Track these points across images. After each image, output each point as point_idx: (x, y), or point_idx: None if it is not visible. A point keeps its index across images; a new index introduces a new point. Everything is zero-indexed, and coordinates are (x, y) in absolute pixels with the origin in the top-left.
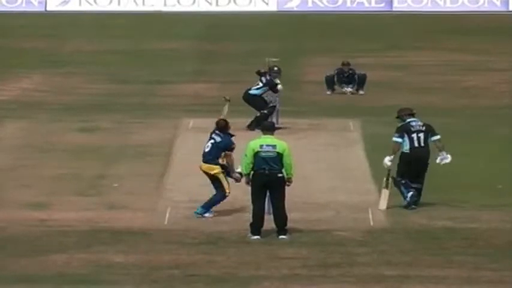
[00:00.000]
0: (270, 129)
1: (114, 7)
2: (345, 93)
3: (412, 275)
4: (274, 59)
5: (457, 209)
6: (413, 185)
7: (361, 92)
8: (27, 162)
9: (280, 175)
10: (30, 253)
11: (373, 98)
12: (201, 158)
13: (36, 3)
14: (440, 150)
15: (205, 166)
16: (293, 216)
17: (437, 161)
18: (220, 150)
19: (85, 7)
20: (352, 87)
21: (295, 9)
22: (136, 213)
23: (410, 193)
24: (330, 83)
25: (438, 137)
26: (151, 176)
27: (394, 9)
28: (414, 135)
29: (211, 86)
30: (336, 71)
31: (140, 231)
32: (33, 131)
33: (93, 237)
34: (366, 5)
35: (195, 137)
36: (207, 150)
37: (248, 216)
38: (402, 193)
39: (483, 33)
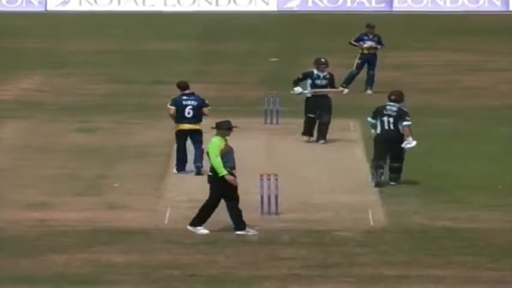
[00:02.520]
0: (218, 127)
1: (114, 7)
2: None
3: (412, 275)
4: (274, 59)
5: (457, 209)
6: (391, 164)
7: (369, 91)
8: (27, 162)
9: (214, 175)
10: (30, 253)
11: (373, 98)
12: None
13: (36, 3)
14: (407, 136)
15: (189, 126)
16: (293, 217)
17: (403, 145)
18: (200, 110)
19: (85, 7)
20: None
21: (295, 9)
22: (136, 213)
23: (378, 174)
24: (350, 78)
25: (406, 123)
26: (152, 176)
27: (394, 9)
28: (385, 118)
29: (212, 86)
30: (359, 34)
31: (140, 231)
32: (34, 131)
33: (93, 237)
34: (366, 4)
35: None
36: (190, 115)
37: (248, 217)
38: (372, 174)
39: (483, 33)
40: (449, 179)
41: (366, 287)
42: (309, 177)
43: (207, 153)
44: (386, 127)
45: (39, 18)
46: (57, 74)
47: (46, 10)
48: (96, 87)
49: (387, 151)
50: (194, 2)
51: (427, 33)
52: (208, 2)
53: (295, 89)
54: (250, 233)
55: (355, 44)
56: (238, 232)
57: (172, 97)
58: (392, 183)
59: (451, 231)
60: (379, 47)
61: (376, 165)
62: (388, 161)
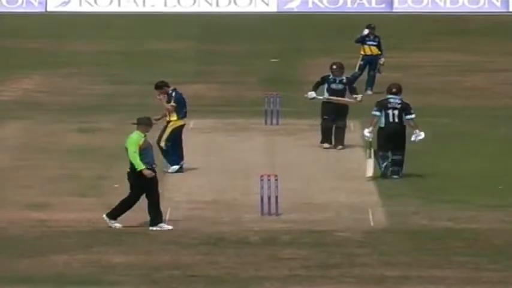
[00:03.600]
0: (139, 123)
1: (114, 8)
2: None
3: (412, 276)
4: (274, 60)
5: (458, 210)
6: (393, 157)
7: (369, 92)
8: (28, 162)
9: (133, 171)
10: (30, 254)
11: (373, 98)
12: (201, 158)
13: (36, 4)
14: (414, 129)
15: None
16: (293, 217)
17: (412, 138)
18: None
19: (85, 8)
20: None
21: (296, 9)
22: (136, 213)
23: (385, 163)
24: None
25: (412, 116)
26: None
27: (394, 9)
28: (390, 112)
29: (212, 86)
30: (359, 36)
31: (140, 231)
32: (34, 131)
33: (93, 238)
34: (367, 5)
35: (196, 137)
36: (185, 110)
37: (248, 218)
38: (378, 164)
39: (483, 33)
40: (449, 179)
41: (366, 287)
42: (309, 177)
43: (126, 149)
44: (391, 120)
45: (39, 19)
46: (57, 74)
47: (46, 11)
48: (96, 88)
49: (391, 143)
50: (194, 2)
51: (427, 33)
52: (208, 2)
53: (309, 93)
54: (165, 228)
55: (360, 40)
56: (153, 228)
57: (173, 94)
58: (395, 176)
59: (451, 232)
60: (381, 61)
61: (382, 156)
62: (390, 153)
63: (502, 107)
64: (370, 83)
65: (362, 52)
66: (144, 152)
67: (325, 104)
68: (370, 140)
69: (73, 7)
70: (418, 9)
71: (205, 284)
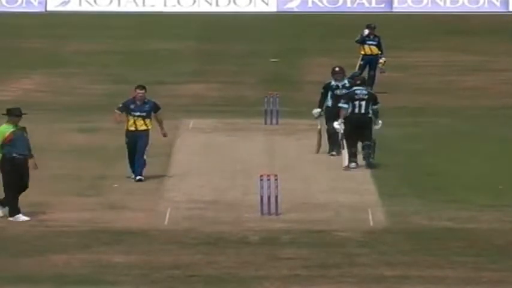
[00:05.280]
0: (8, 114)
1: (114, 7)
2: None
3: (412, 276)
4: (274, 60)
5: (457, 210)
6: (363, 143)
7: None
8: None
9: None
10: (30, 253)
11: None
12: (201, 158)
13: (36, 4)
14: (375, 118)
15: None
16: (293, 217)
17: (376, 127)
18: None
19: (85, 7)
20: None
21: (295, 9)
22: (136, 213)
23: (353, 164)
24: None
25: (376, 106)
26: (152, 177)
27: (394, 9)
28: (357, 103)
29: (211, 86)
30: (360, 36)
31: (140, 231)
32: (33, 131)
33: (93, 238)
34: (366, 5)
35: (196, 137)
36: None
37: (248, 217)
38: (344, 160)
39: (483, 33)
40: (449, 179)
41: (366, 287)
42: (309, 177)
43: None
44: (357, 110)
45: (39, 19)
46: (57, 74)
47: (46, 10)
48: (96, 87)
49: (358, 134)
50: (194, 2)
51: (427, 33)
52: (208, 2)
53: (314, 111)
54: (21, 219)
55: (361, 41)
56: (10, 218)
57: (146, 101)
58: (370, 160)
59: (451, 232)
60: (382, 60)
61: (350, 153)
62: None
63: (502, 107)
64: (370, 82)
65: (362, 52)
66: (12, 142)
67: (329, 110)
68: (341, 131)
69: (73, 7)
70: (418, 9)
71: (205, 284)
